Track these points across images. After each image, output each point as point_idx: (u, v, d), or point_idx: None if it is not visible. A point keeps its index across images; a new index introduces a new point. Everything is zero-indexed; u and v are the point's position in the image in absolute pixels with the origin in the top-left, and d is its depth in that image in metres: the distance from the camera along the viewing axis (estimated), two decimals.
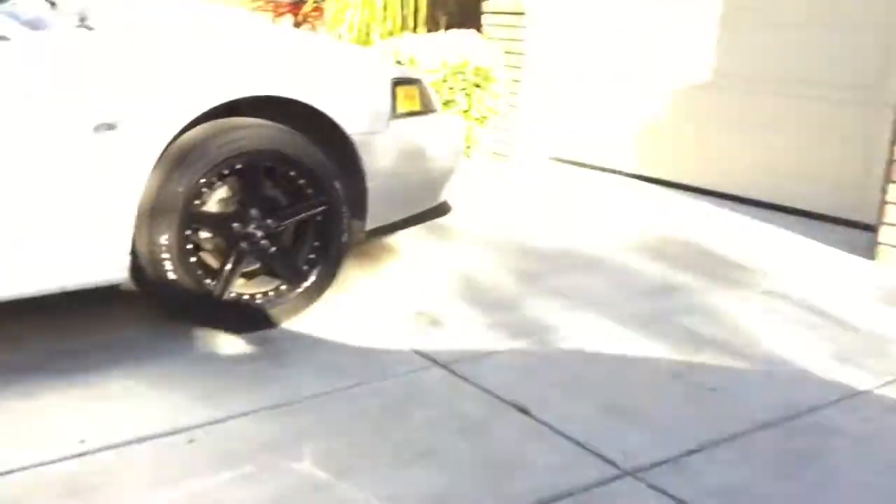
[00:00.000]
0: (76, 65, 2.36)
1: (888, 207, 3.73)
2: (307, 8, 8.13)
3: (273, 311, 2.83)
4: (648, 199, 5.03)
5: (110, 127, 2.39)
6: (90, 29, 2.48)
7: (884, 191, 3.75)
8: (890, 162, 3.71)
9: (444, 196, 3.49)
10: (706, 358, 2.75)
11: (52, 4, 2.90)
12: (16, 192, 2.32)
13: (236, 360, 2.65)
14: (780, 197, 4.68)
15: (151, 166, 2.51)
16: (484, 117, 5.85)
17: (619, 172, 5.62)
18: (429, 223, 3.55)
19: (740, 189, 4.90)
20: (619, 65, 5.63)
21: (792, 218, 4.51)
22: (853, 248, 3.94)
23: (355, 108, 2.91)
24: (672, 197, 5.06)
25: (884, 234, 3.75)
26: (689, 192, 5.11)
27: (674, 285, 3.46)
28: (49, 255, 2.42)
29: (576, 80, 5.94)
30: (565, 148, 6.06)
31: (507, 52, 5.98)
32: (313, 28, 7.90)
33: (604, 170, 5.73)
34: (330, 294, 2.99)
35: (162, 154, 2.52)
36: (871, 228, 3.93)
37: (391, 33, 6.99)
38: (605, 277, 3.55)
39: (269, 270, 2.89)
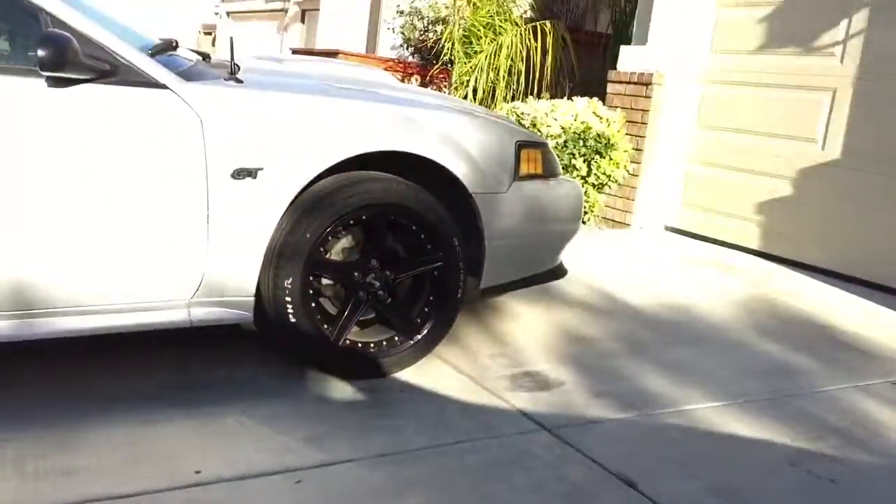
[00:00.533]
0: (224, 114, 2.52)
1: None
2: (434, 70, 8.37)
3: (384, 361, 2.88)
4: (767, 275, 4.88)
5: (249, 174, 2.53)
6: (239, 82, 2.65)
7: None
8: None
9: (561, 259, 3.49)
10: (826, 447, 2.63)
11: (206, 58, 3.11)
12: (156, 230, 2.47)
13: (346, 406, 2.70)
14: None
15: (282, 212, 2.62)
16: (602, 184, 5.84)
17: (738, 247, 5.49)
18: (544, 285, 3.56)
19: (866, 273, 4.70)
20: (747, 141, 5.54)
21: None
22: None
23: (479, 168, 2.96)
24: (794, 276, 4.90)
25: None
26: (813, 273, 4.94)
27: (792, 366, 3.33)
28: (181, 290, 2.56)
29: (701, 152, 5.87)
30: (683, 219, 5.97)
31: (629, 121, 5.99)
32: (439, 90, 8.12)
33: (723, 243, 5.61)
34: (441, 348, 3.03)
35: (293, 201, 2.63)
36: None
37: (514, 97, 7.12)
38: (719, 352, 3.45)
39: (383, 321, 2.95)
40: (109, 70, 2.38)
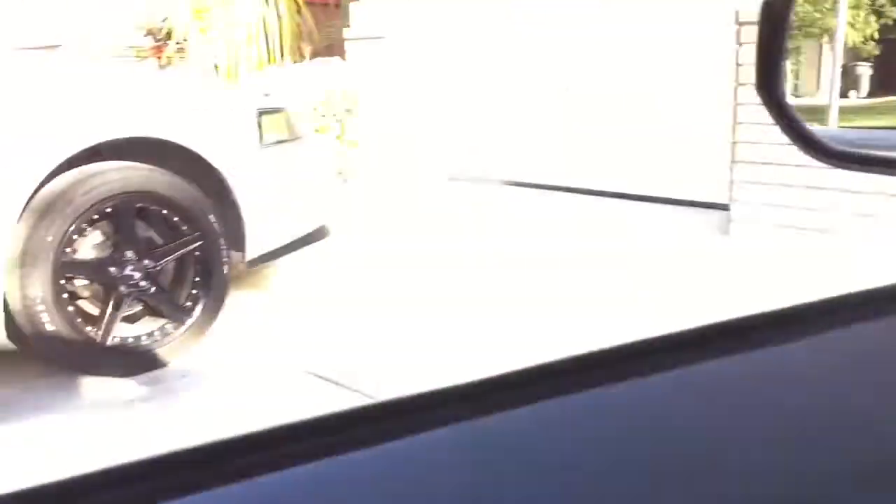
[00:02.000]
0: None
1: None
2: (169, 51, 8.04)
3: (160, 351, 2.83)
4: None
5: None
6: None
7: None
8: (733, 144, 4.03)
9: (323, 220, 3.55)
10: None
11: None
12: None
13: (128, 404, 2.63)
14: None
15: (17, 217, 2.48)
16: (356, 141, 5.95)
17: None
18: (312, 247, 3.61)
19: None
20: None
21: None
22: None
23: (221, 141, 2.94)
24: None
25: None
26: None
27: None
28: None
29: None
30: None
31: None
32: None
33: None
34: (217, 327, 3.01)
35: (27, 204, 2.50)
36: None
37: (258, 68, 7.02)
38: None
39: (152, 311, 2.89)
40: None
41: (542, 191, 5.37)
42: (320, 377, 2.71)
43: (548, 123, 5.43)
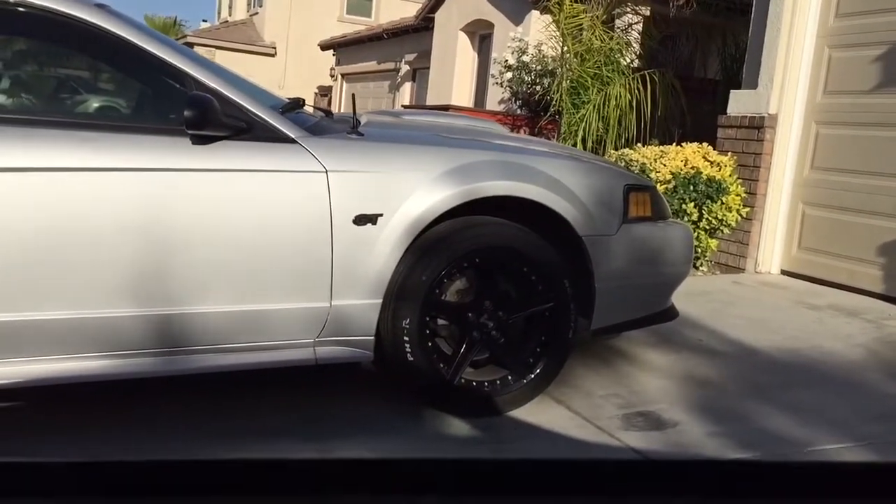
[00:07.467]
0: (346, 164, 2.70)
1: None
2: (543, 121, 8.52)
3: (498, 400, 2.96)
4: (891, 318, 4.71)
5: (370, 220, 2.70)
6: (360, 135, 2.84)
7: None
8: None
9: (672, 301, 3.51)
10: None
11: (329, 114, 3.33)
12: (286, 274, 2.66)
13: (462, 442, 2.79)
14: None
15: (401, 256, 2.77)
16: (715, 228, 5.79)
17: (858, 290, 5.31)
18: (660, 328, 3.58)
19: None
20: (864, 182, 5.40)
21: None
22: None
23: (587, 211, 3.04)
24: None
25: None
26: None
27: None
28: (307, 330, 2.73)
29: (816, 194, 5.75)
30: (800, 262, 5.84)
31: (741, 165, 5.94)
32: (548, 140, 8.25)
33: (841, 287, 5.45)
34: (554, 388, 3.09)
35: (411, 245, 2.78)
36: None
37: (624, 146, 7.17)
38: (841, 394, 3.37)
39: (496, 361, 3.04)
40: (245, 127, 2.61)
41: None
42: (638, 452, 2.66)
43: None
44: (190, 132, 2.51)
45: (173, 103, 2.63)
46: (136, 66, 2.81)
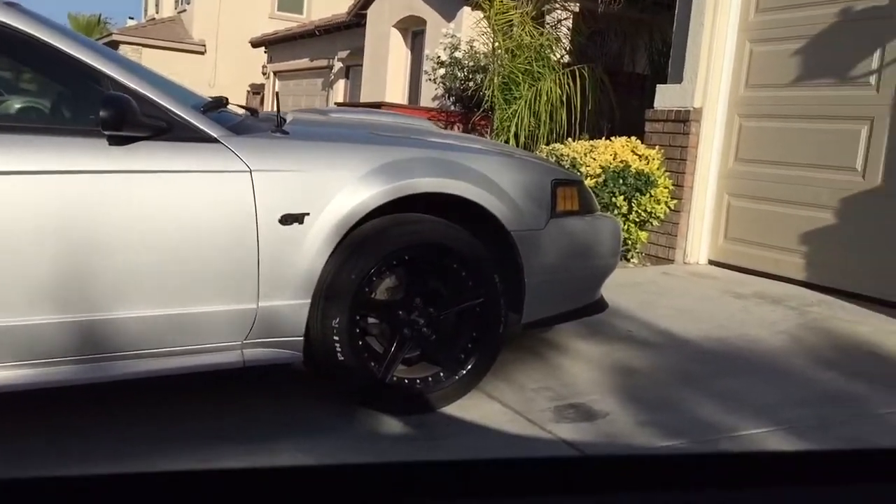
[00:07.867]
0: (271, 163, 2.67)
1: None
2: (476, 117, 8.56)
3: (431, 396, 2.96)
4: (813, 304, 4.86)
5: (296, 219, 2.67)
6: (285, 133, 2.80)
7: None
8: None
9: (601, 293, 3.56)
10: None
11: (254, 113, 3.28)
12: (210, 275, 2.61)
13: (395, 440, 2.79)
14: None
15: (328, 255, 2.75)
16: (644, 221, 5.90)
17: (782, 278, 5.47)
18: (590, 319, 3.62)
19: None
20: (787, 173, 5.56)
21: None
22: None
23: (516, 206, 3.06)
24: (840, 305, 4.87)
25: None
26: (860, 301, 4.91)
27: (843, 392, 3.32)
28: (234, 332, 2.69)
29: (741, 185, 5.90)
30: (726, 252, 5.98)
31: (668, 158, 6.06)
32: (481, 136, 8.29)
33: (767, 275, 5.60)
34: (486, 382, 3.10)
35: (339, 244, 2.76)
36: None
37: (556, 140, 7.25)
38: (768, 381, 3.46)
39: (428, 357, 3.04)
40: (165, 127, 2.55)
41: None
42: (570, 444, 2.69)
43: None
44: (106, 133, 2.44)
45: (91, 104, 2.56)
46: (50, 66, 2.73)
